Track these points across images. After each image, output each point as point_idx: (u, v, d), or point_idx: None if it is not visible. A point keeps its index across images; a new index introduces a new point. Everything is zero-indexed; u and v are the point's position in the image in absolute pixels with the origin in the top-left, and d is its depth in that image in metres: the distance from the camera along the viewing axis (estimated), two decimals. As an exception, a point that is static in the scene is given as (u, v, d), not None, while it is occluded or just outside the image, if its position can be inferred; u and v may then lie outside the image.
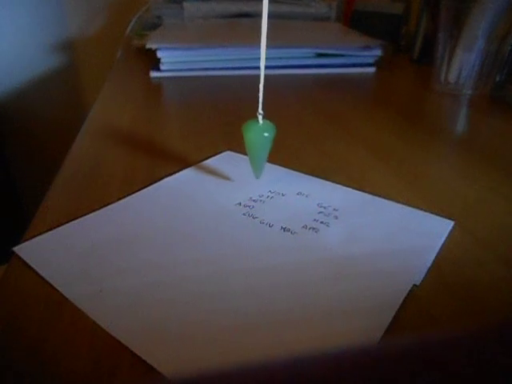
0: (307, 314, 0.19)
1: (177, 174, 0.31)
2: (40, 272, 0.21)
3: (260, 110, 0.27)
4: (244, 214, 0.26)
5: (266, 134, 0.27)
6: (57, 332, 0.18)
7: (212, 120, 0.44)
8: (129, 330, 0.18)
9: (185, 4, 0.86)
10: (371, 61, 0.66)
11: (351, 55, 0.66)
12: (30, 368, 0.16)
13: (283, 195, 0.28)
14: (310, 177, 0.31)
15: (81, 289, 0.20)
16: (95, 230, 0.25)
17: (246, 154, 0.34)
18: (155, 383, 0.15)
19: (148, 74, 0.62)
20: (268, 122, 0.27)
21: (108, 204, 0.27)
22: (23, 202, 1.17)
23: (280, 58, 0.63)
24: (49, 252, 0.23)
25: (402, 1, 0.79)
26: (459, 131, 0.45)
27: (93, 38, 1.13)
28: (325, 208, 0.27)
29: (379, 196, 0.28)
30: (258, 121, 0.27)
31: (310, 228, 0.25)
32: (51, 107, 1.15)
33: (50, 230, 0.25)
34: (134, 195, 0.28)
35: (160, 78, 0.62)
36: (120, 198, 0.28)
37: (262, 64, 0.25)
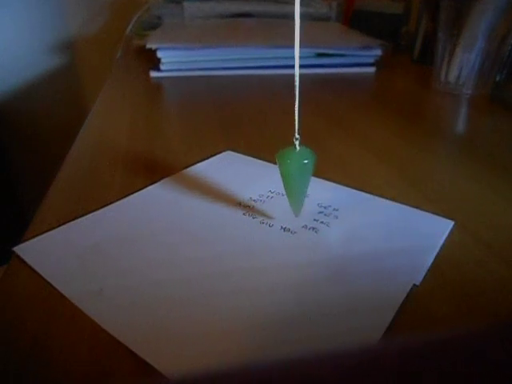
0: (307, 314, 0.19)
1: (177, 174, 0.31)
2: (40, 272, 0.21)
3: (296, 135, 0.23)
4: (244, 214, 0.26)
5: (305, 161, 0.23)
6: (57, 332, 0.18)
7: (212, 120, 0.44)
8: (129, 329, 0.18)
9: (185, 4, 0.86)
10: (371, 61, 0.66)
11: (351, 55, 0.66)
12: (30, 368, 0.16)
13: (283, 195, 0.28)
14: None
15: (81, 288, 0.20)
16: (95, 230, 0.25)
17: (245, 153, 0.34)
18: (155, 383, 0.15)
19: (148, 74, 0.62)
20: (306, 148, 0.24)
21: (108, 204, 0.27)
22: (23, 202, 1.17)
23: (280, 58, 0.63)
24: (49, 252, 0.23)
25: (402, 1, 0.79)
26: (459, 131, 0.45)
27: (93, 37, 1.13)
28: (325, 208, 0.27)
29: (379, 196, 0.28)
30: (294, 147, 0.23)
31: (310, 228, 0.25)
32: (51, 107, 1.15)
33: (50, 230, 0.25)
34: (133, 195, 0.28)
35: (160, 78, 0.61)
36: (120, 198, 0.28)
37: (297, 81, 0.22)
